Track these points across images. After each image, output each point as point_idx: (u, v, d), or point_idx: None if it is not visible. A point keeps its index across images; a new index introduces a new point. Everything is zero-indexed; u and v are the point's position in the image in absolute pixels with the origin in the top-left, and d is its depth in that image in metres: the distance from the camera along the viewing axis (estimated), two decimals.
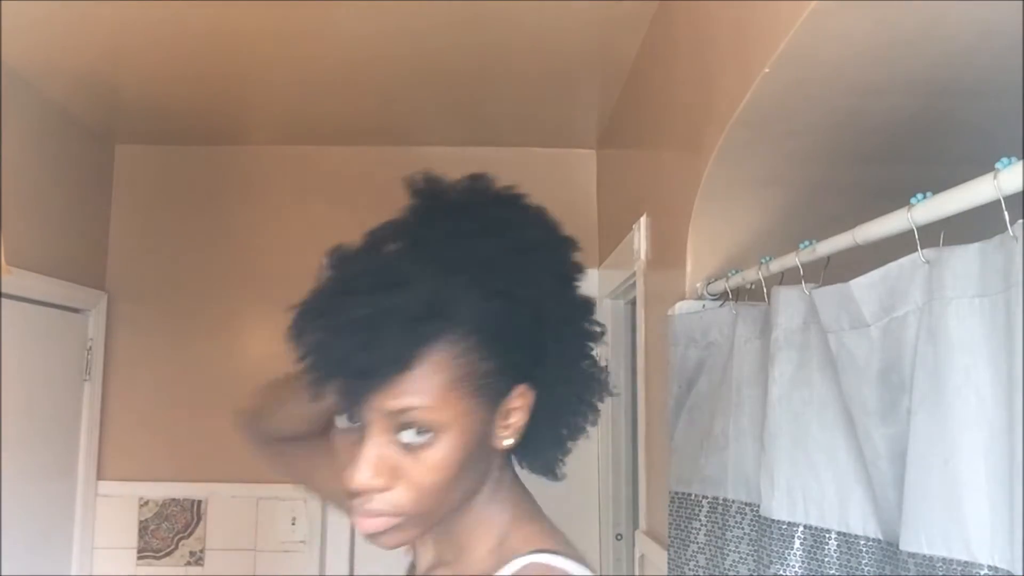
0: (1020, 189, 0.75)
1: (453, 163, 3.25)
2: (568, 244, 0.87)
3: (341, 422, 0.83)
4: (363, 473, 0.72)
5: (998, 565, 0.75)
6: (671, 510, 1.50)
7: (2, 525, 2.18)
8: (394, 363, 0.70)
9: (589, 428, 0.84)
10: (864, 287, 0.97)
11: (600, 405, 0.83)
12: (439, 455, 0.73)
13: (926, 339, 0.85)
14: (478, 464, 0.77)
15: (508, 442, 0.77)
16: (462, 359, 0.72)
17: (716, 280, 1.51)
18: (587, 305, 0.87)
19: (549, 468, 0.83)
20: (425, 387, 0.72)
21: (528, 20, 1.95)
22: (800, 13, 1.00)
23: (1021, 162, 0.75)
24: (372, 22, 1.97)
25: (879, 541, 0.99)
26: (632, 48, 2.09)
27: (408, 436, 0.72)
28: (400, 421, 0.72)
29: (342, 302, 0.71)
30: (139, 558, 2.76)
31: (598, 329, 0.85)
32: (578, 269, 0.88)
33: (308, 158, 2.94)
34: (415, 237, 0.79)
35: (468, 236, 0.77)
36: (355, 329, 0.69)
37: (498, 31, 2.02)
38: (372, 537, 0.74)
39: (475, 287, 0.73)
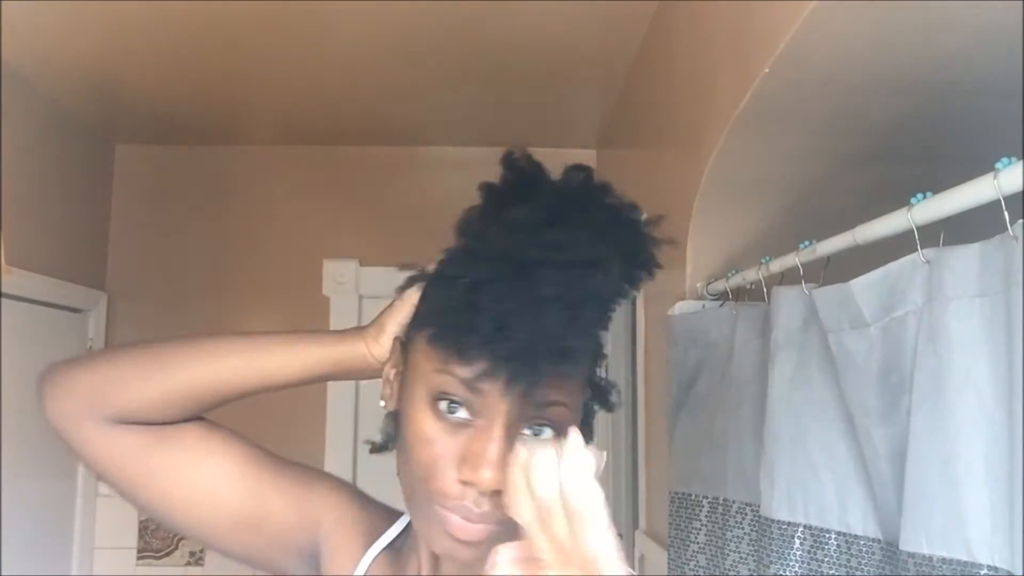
0: (1020, 189, 0.75)
1: (453, 163, 3.30)
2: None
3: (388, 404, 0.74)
4: (493, 471, 0.63)
5: (998, 565, 0.75)
6: (671, 510, 1.50)
7: (2, 525, 2.18)
8: (584, 350, 0.65)
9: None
10: (864, 287, 0.97)
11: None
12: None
13: (926, 339, 0.85)
14: None
15: None
16: (595, 353, 0.70)
17: (716, 280, 1.51)
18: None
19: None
20: (577, 382, 0.67)
21: (528, 20, 1.95)
22: (800, 13, 1.00)
23: (1021, 162, 0.75)
24: (372, 22, 1.97)
25: (879, 541, 1.00)
26: (632, 48, 2.09)
27: (546, 434, 0.66)
28: (540, 416, 0.65)
29: (539, 276, 0.62)
30: (139, 558, 2.76)
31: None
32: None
33: (308, 158, 2.94)
34: (559, 219, 0.68)
35: (608, 227, 0.69)
36: (557, 308, 0.62)
37: (498, 31, 2.02)
38: (462, 546, 0.66)
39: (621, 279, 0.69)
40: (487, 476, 0.63)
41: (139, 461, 0.79)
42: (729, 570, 1.28)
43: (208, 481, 0.78)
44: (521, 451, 0.64)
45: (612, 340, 2.70)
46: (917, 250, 0.89)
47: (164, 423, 0.78)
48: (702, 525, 1.40)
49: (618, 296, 0.69)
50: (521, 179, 0.71)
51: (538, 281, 0.62)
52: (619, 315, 2.69)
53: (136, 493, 0.81)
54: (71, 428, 0.79)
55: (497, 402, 0.64)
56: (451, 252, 0.71)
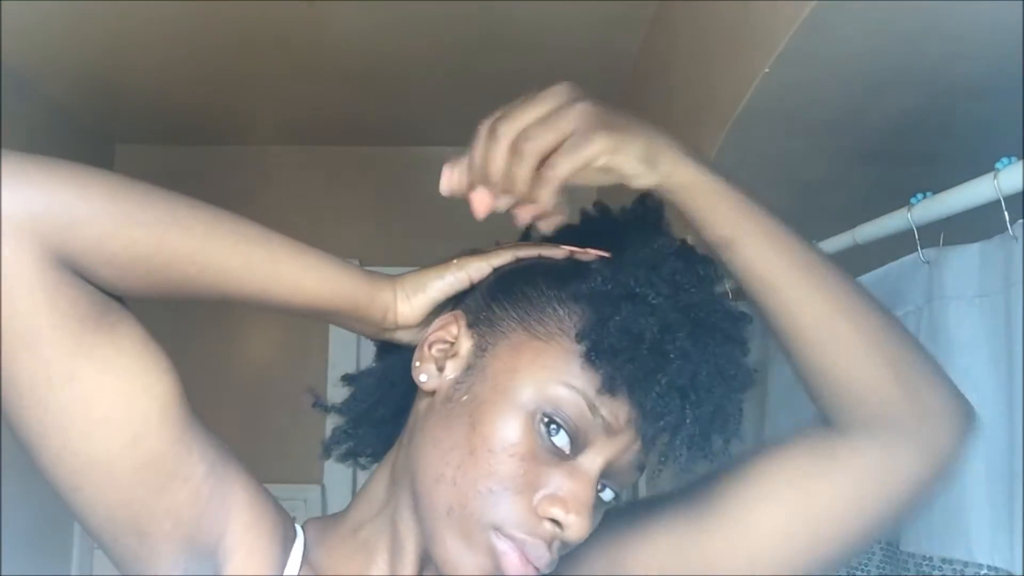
0: (1020, 189, 0.75)
1: None
2: None
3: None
4: (586, 521, 0.57)
5: (998, 565, 0.75)
6: None
7: (2, 525, 2.18)
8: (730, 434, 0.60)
9: None
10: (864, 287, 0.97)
11: None
12: (600, 517, 0.62)
13: (926, 339, 0.86)
14: None
15: None
16: None
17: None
18: None
19: None
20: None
21: (528, 20, 1.95)
22: (800, 13, 1.00)
23: (1021, 162, 0.75)
24: (372, 22, 1.97)
25: (879, 541, 0.99)
26: (632, 48, 2.09)
27: (608, 495, 0.61)
28: (615, 478, 0.61)
29: (721, 350, 0.59)
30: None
31: None
32: None
33: (308, 158, 2.94)
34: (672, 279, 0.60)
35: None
36: (735, 388, 0.59)
37: (498, 31, 2.02)
38: None
39: None
40: (580, 523, 0.56)
41: (62, 322, 0.54)
42: None
43: (124, 399, 0.57)
44: None
45: None
46: (917, 250, 0.89)
47: (112, 296, 0.58)
48: None
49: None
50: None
51: (719, 355, 0.58)
52: None
53: (19, 377, 0.56)
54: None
55: (621, 451, 0.59)
56: (614, 266, 0.61)
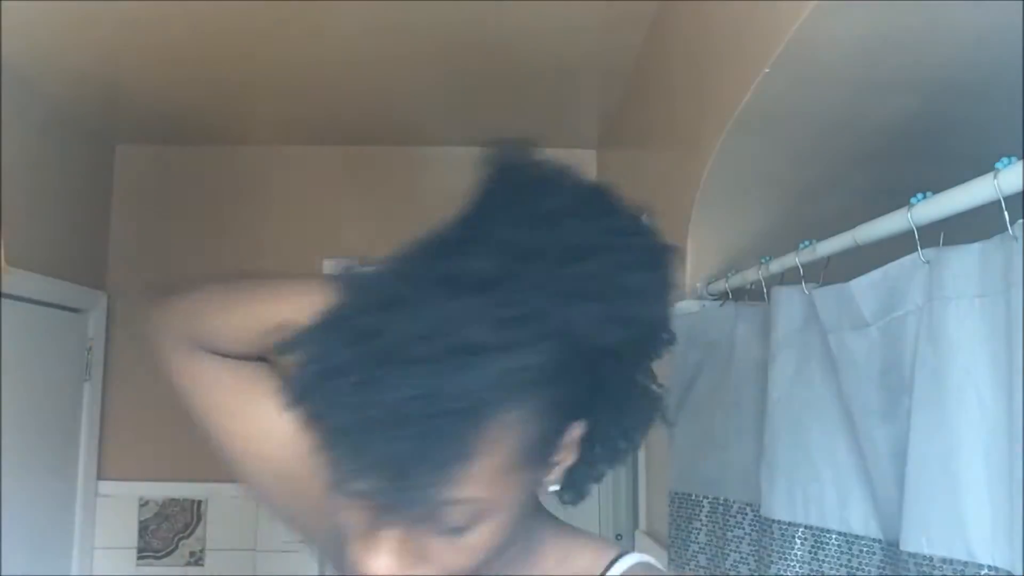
0: (1020, 189, 0.75)
1: (453, 163, 3.30)
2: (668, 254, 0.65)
3: None
4: (381, 561, 0.55)
5: (998, 565, 0.75)
6: (671, 510, 1.50)
7: (2, 525, 2.18)
8: (445, 464, 0.50)
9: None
10: (864, 287, 0.97)
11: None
12: (482, 538, 0.56)
13: (926, 339, 0.85)
14: (522, 525, 0.61)
15: (554, 488, 0.62)
16: (522, 426, 0.54)
17: (716, 280, 1.51)
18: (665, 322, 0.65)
19: (579, 498, 0.68)
20: (476, 474, 0.53)
21: (528, 20, 1.95)
22: (800, 13, 1.00)
23: (1021, 162, 0.75)
24: (372, 22, 1.97)
25: (880, 541, 1.00)
26: (632, 48, 2.09)
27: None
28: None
29: (379, 374, 0.50)
30: (139, 558, 2.75)
31: (666, 338, 0.65)
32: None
33: (308, 158, 2.94)
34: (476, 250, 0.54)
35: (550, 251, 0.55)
36: (397, 420, 0.49)
37: (498, 31, 2.02)
38: None
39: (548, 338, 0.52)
40: (374, 566, 0.56)
41: (214, 390, 0.77)
42: (729, 570, 1.28)
43: (263, 421, 0.73)
44: None
45: None
46: (917, 250, 0.89)
47: (240, 358, 0.76)
48: (702, 525, 1.40)
49: (501, 387, 0.51)
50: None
51: (376, 384, 0.51)
52: None
53: (209, 423, 0.78)
54: (166, 352, 0.79)
55: None
56: None
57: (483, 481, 0.53)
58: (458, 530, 0.55)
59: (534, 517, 0.67)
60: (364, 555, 0.56)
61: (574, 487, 0.66)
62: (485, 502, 0.55)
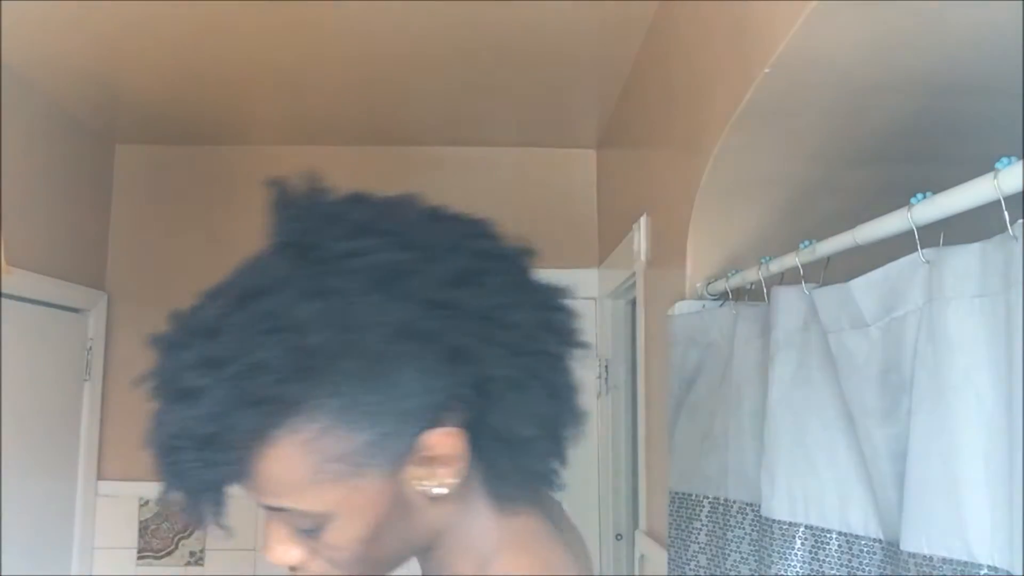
0: (1020, 189, 0.75)
1: (453, 163, 3.29)
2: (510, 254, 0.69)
3: None
4: (273, 552, 0.66)
5: (998, 565, 0.75)
6: (671, 510, 1.50)
7: (2, 525, 2.18)
8: (225, 476, 0.61)
9: (571, 442, 0.70)
10: (864, 287, 0.97)
11: (582, 411, 0.70)
12: (341, 537, 0.63)
13: (926, 339, 0.85)
14: (409, 519, 0.66)
15: (441, 491, 0.65)
16: (327, 438, 0.60)
17: (716, 280, 1.51)
18: (550, 314, 0.69)
19: (508, 500, 0.69)
20: (276, 482, 0.62)
21: (528, 20, 1.95)
22: (800, 13, 1.00)
23: (1021, 162, 0.75)
24: (372, 22, 1.97)
25: (880, 541, 1.00)
26: (632, 48, 2.09)
27: (304, 524, 0.64)
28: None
29: (159, 408, 0.61)
30: (139, 558, 2.76)
31: (566, 331, 0.69)
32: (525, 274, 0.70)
33: (308, 158, 2.93)
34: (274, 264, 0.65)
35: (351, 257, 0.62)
36: (166, 449, 0.60)
37: (498, 31, 2.02)
38: None
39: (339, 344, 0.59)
40: (269, 556, 0.67)
41: None
42: (730, 570, 1.28)
43: None
44: None
45: (612, 340, 2.71)
46: (917, 250, 0.89)
47: None
48: (702, 525, 1.40)
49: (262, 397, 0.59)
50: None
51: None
52: (619, 315, 2.69)
53: None
54: None
55: None
56: None
57: (293, 494, 0.62)
58: (309, 531, 0.64)
59: (479, 512, 0.69)
60: (266, 543, 0.66)
61: (497, 489, 0.68)
62: (308, 508, 0.62)
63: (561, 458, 0.69)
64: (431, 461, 0.63)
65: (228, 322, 0.60)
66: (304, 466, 0.61)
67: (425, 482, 0.64)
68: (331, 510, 0.62)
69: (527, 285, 0.68)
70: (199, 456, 0.59)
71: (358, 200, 0.71)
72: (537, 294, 0.68)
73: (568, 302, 0.71)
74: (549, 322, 0.68)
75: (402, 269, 0.62)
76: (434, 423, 0.62)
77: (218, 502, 0.61)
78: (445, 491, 0.65)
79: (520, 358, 0.64)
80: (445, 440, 0.62)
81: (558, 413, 0.68)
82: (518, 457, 0.66)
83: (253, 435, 0.59)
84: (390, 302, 0.60)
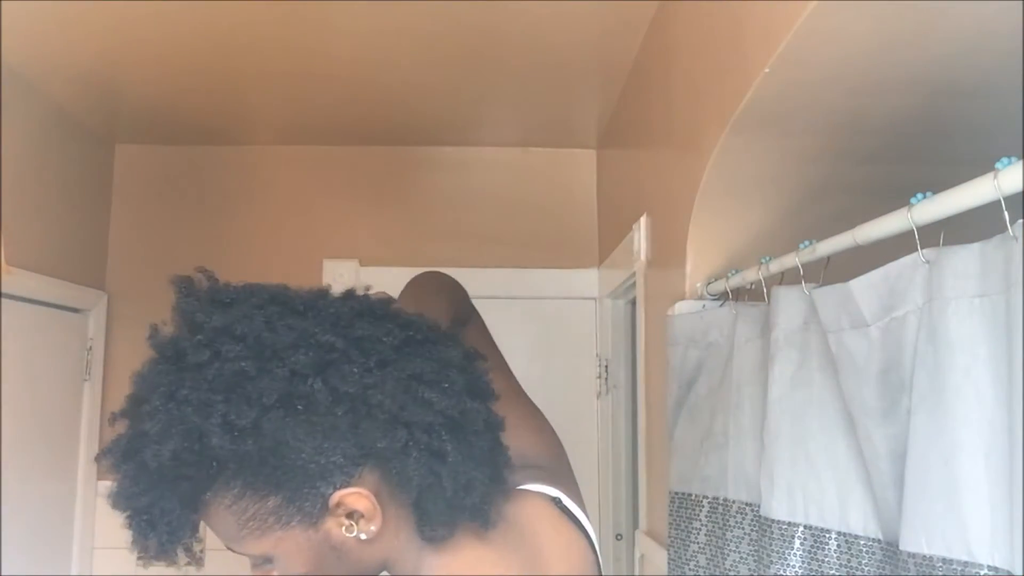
0: (1020, 189, 0.75)
1: (453, 163, 3.29)
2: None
3: None
4: (254, 571, 0.80)
5: (998, 565, 0.75)
6: (671, 510, 1.50)
7: (2, 525, 2.18)
8: (175, 529, 0.75)
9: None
10: (864, 287, 0.97)
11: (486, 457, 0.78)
12: (286, 571, 0.77)
13: (926, 339, 0.85)
14: (345, 558, 0.77)
15: (364, 536, 0.76)
16: (235, 505, 0.74)
17: (716, 280, 1.51)
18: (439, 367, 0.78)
19: (438, 536, 0.78)
20: (219, 532, 0.77)
21: (528, 20, 1.95)
22: (800, 13, 1.00)
23: (1021, 162, 0.75)
24: (372, 22, 1.97)
25: (879, 541, 0.99)
26: (632, 48, 2.09)
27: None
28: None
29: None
30: (139, 558, 2.75)
31: (438, 402, 0.76)
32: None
33: (308, 158, 2.94)
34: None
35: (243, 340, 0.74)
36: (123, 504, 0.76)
37: (498, 31, 2.02)
38: None
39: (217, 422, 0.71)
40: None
41: None
42: (729, 570, 1.28)
43: None
44: None
45: (612, 340, 2.71)
46: (917, 250, 0.89)
47: None
48: (702, 525, 1.40)
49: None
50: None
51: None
52: (619, 315, 2.69)
53: None
54: None
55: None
56: None
57: (232, 542, 0.77)
58: (266, 564, 0.78)
59: (428, 551, 0.79)
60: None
61: (422, 529, 0.78)
62: (245, 551, 0.77)
63: (473, 498, 0.76)
64: (350, 515, 0.75)
65: (131, 418, 0.74)
66: (231, 523, 0.75)
67: (348, 532, 0.75)
68: (267, 553, 0.76)
69: (388, 366, 0.76)
70: (145, 519, 0.74)
71: (228, 304, 0.79)
72: (399, 371, 0.76)
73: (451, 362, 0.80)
74: (415, 395, 0.75)
75: (250, 373, 0.72)
76: (343, 484, 0.74)
77: (174, 549, 0.77)
78: (369, 536, 0.75)
79: (396, 429, 0.73)
80: (355, 499, 0.74)
81: (447, 468, 0.75)
82: (426, 505, 0.76)
83: (180, 503, 0.73)
84: (241, 404, 0.70)
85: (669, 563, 1.50)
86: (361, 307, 0.80)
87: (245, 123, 2.77)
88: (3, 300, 2.18)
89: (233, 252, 2.87)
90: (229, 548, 0.79)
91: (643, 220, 1.98)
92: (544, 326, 2.85)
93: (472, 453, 0.77)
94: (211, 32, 2.03)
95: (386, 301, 0.84)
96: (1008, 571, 0.74)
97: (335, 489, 0.74)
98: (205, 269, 0.84)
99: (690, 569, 1.41)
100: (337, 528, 0.75)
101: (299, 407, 0.72)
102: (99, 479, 2.75)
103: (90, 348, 2.72)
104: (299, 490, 0.73)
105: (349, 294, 0.82)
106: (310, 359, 0.73)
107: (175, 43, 2.10)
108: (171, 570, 2.93)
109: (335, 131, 2.81)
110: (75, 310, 2.65)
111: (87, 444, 2.68)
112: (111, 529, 2.74)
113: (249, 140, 2.90)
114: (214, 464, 0.71)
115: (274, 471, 0.72)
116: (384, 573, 0.82)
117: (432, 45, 2.11)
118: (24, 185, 2.29)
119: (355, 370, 0.74)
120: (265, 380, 0.71)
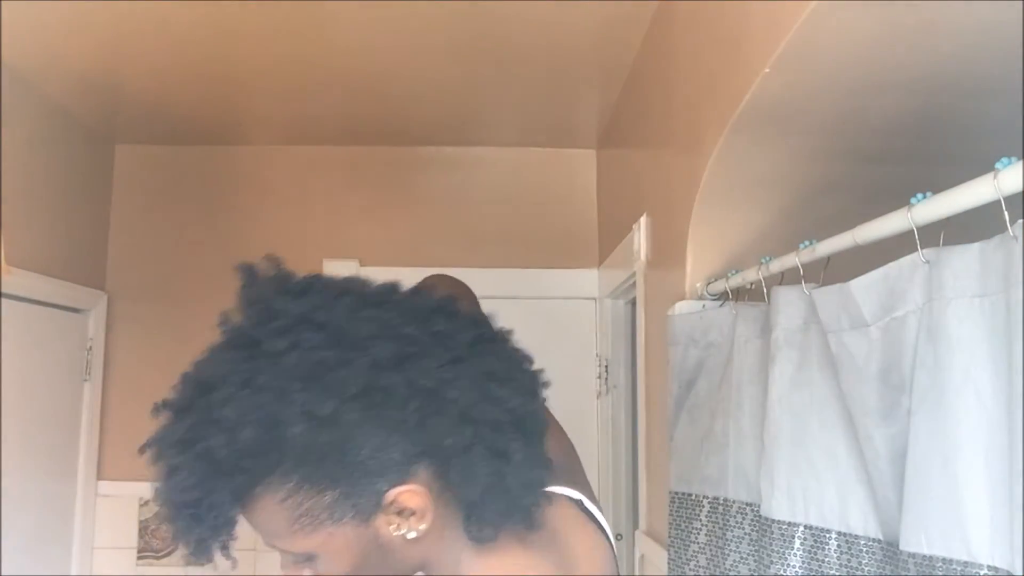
0: (1020, 189, 0.75)
1: (453, 163, 3.30)
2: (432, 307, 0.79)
3: None
4: (285, 571, 0.78)
5: (998, 565, 0.75)
6: (671, 510, 1.50)
7: (2, 525, 2.18)
8: (220, 525, 0.73)
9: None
10: (864, 287, 0.97)
11: (540, 460, 0.78)
12: (328, 570, 0.76)
13: (926, 339, 0.85)
14: (389, 557, 0.76)
15: (413, 535, 0.75)
16: (290, 500, 0.72)
17: (716, 280, 1.51)
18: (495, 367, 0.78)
19: (486, 537, 0.77)
20: (264, 529, 0.75)
21: (528, 20, 1.95)
22: (800, 13, 1.00)
23: (1021, 162, 0.75)
24: (372, 22, 1.97)
25: (879, 541, 0.99)
26: (632, 48, 2.09)
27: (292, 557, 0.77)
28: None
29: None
30: (139, 558, 2.75)
31: (505, 397, 0.76)
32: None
33: (308, 158, 2.94)
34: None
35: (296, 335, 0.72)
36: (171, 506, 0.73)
37: (498, 31, 2.02)
38: None
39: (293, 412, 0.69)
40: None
41: None
42: (729, 570, 1.28)
43: None
44: None
45: (612, 340, 2.71)
46: (917, 250, 0.89)
47: None
48: (702, 525, 1.40)
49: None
50: None
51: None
52: (619, 315, 2.69)
53: None
54: None
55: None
56: None
57: (279, 538, 0.75)
58: (307, 560, 0.76)
59: (468, 553, 0.79)
60: (281, 564, 0.78)
61: (470, 531, 0.77)
62: (292, 549, 0.75)
63: (530, 499, 0.77)
64: (400, 512, 0.74)
65: (194, 406, 0.71)
66: (281, 518, 0.73)
67: (397, 530, 0.75)
68: (313, 551, 0.74)
69: (463, 362, 0.75)
70: (191, 513, 0.71)
71: (302, 292, 0.77)
72: (473, 368, 0.75)
73: (520, 361, 0.82)
74: (487, 393, 0.75)
75: (331, 363, 0.70)
76: (398, 482, 0.73)
77: (213, 547, 0.74)
78: (417, 535, 0.75)
79: (464, 426, 0.73)
80: (409, 496, 0.73)
81: (511, 468, 0.75)
82: (483, 505, 0.75)
83: (232, 497, 0.72)
84: (321, 394, 0.69)
85: (669, 563, 1.50)
86: (434, 303, 0.79)
87: (245, 123, 2.77)
88: (3, 300, 2.18)
89: (233, 252, 2.86)
90: (271, 545, 0.76)
91: (643, 220, 1.98)
92: (544, 326, 2.85)
93: (533, 453, 0.77)
94: (211, 32, 2.03)
95: (452, 299, 0.82)
96: (1008, 571, 0.74)
97: (390, 486, 0.73)
98: (273, 256, 0.80)
99: (690, 569, 1.41)
100: (386, 526, 0.74)
101: (377, 399, 0.70)
102: (99, 479, 2.75)
103: (90, 348, 2.72)
104: (356, 485, 0.72)
105: (417, 290, 0.81)
106: (391, 351, 0.71)
107: (175, 43, 2.10)
108: (172, 569, 2.93)
109: (335, 131, 2.81)
110: (75, 310, 2.65)
111: (87, 444, 2.68)
112: (111, 529, 2.74)
113: (249, 140, 2.90)
114: (280, 455, 0.70)
115: (336, 465, 0.71)
116: (419, 573, 0.83)
117: (432, 46, 2.11)
118: (24, 185, 2.29)
119: (433, 364, 0.72)
120: (346, 370, 0.70)
